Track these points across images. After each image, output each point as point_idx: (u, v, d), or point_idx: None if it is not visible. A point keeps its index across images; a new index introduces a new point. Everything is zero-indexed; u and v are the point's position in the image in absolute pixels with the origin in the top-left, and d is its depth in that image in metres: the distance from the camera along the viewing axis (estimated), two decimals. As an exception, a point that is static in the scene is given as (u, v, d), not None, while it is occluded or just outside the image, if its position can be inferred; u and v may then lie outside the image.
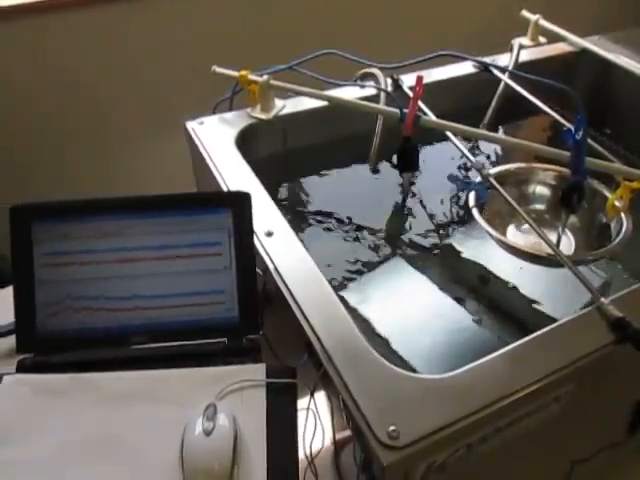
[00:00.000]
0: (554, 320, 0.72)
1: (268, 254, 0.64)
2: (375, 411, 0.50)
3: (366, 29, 1.35)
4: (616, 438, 0.76)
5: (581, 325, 0.59)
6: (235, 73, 0.86)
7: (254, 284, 0.63)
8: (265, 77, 0.85)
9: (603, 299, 0.60)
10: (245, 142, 0.84)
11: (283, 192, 0.89)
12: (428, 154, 1.01)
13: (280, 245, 0.65)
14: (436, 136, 0.91)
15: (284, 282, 0.60)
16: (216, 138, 0.83)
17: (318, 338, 0.55)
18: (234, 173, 0.76)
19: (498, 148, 1.05)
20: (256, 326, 0.63)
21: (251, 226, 0.63)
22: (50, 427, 0.54)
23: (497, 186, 0.74)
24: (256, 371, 0.59)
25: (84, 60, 1.20)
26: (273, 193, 0.81)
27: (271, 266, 0.63)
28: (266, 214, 0.69)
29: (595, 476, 0.82)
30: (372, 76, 0.97)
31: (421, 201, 0.91)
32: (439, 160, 0.99)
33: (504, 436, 0.56)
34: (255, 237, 0.66)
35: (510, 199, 0.72)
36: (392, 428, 0.48)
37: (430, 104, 0.90)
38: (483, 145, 1.03)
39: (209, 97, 0.90)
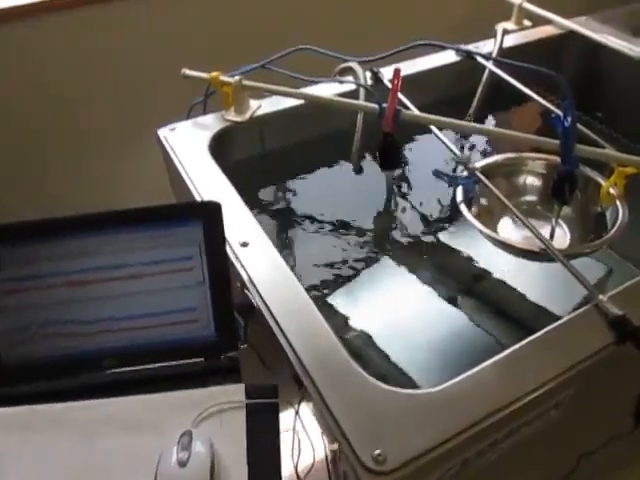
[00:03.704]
0: (552, 318, 0.69)
1: (243, 266, 0.60)
2: (359, 433, 0.46)
3: (343, 22, 1.31)
4: (622, 429, 0.72)
5: (579, 325, 0.55)
6: (206, 75, 0.83)
7: (229, 299, 0.59)
8: (237, 78, 0.81)
9: (601, 296, 0.56)
10: (220, 147, 0.80)
11: (263, 196, 0.86)
12: (415, 149, 0.97)
13: (256, 256, 0.61)
14: (422, 130, 0.87)
15: (260, 295, 0.57)
16: (188, 144, 0.79)
17: (296, 354, 0.51)
18: (207, 181, 0.72)
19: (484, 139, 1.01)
20: (234, 343, 0.59)
21: (223, 238, 0.59)
22: (9, 465, 0.51)
23: (484, 179, 0.70)
24: (235, 392, 0.56)
25: (51, 68, 1.15)
26: (251, 199, 0.78)
27: (246, 278, 0.59)
28: (241, 223, 0.66)
29: (603, 468, 0.79)
30: (351, 71, 0.93)
31: (408, 198, 0.88)
32: (426, 155, 0.96)
33: (502, 448, 0.53)
34: (229, 249, 0.62)
35: (498, 192, 0.68)
36: (378, 452, 0.44)
37: (413, 96, 0.86)
38: (473, 136, 0.99)
39: (186, 101, 0.86)
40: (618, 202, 0.74)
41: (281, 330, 0.53)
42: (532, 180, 0.82)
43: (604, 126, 1.04)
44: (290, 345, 0.52)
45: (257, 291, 0.57)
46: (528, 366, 0.52)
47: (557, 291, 0.72)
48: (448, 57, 1.01)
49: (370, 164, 0.89)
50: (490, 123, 1.04)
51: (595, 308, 0.56)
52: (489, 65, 0.97)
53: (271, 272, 0.60)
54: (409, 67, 0.96)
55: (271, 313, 0.55)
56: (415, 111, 0.76)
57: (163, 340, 0.59)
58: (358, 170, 0.87)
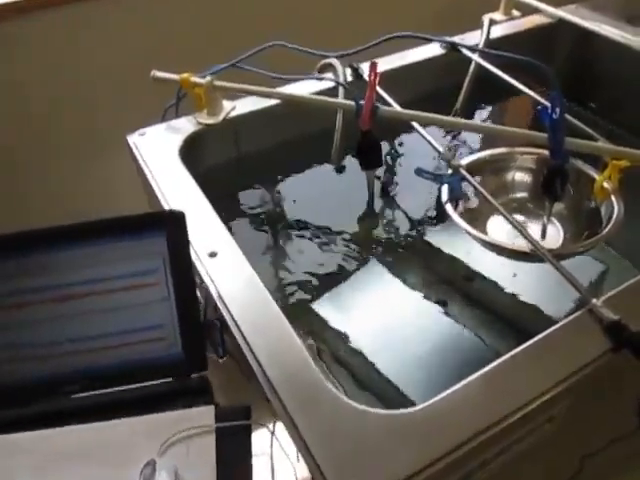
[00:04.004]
0: (546, 321, 0.65)
1: (210, 278, 0.56)
2: (332, 460, 0.42)
3: (322, 15, 1.25)
4: (626, 428, 0.68)
5: (572, 332, 0.51)
6: (176, 76, 0.79)
7: (197, 314, 0.55)
8: (208, 78, 0.77)
9: (594, 300, 0.52)
10: (192, 151, 0.76)
11: (238, 202, 0.82)
12: (399, 147, 0.93)
13: (225, 267, 0.57)
14: (407, 127, 0.83)
15: (227, 308, 0.53)
16: (158, 150, 0.75)
17: (264, 373, 0.47)
18: (175, 188, 0.68)
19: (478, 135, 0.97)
20: (203, 362, 0.56)
21: (188, 249, 0.55)
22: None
23: (468, 177, 0.66)
24: (204, 415, 0.52)
25: (19, 72, 1.11)
26: (225, 205, 0.74)
27: (213, 291, 0.55)
28: (210, 232, 0.62)
29: (609, 468, 0.75)
30: (332, 67, 0.89)
31: (393, 199, 0.84)
32: (411, 153, 0.92)
33: (491, 469, 0.49)
34: (196, 260, 0.58)
35: (483, 190, 0.64)
36: (352, 482, 0.41)
37: (395, 92, 0.82)
38: (463, 134, 0.95)
39: (162, 105, 0.83)
40: (613, 197, 0.70)
41: (248, 346, 0.49)
42: (521, 176, 0.77)
43: (598, 117, 1.00)
44: (258, 363, 0.48)
45: (224, 304, 0.53)
46: (518, 379, 0.48)
47: (550, 293, 0.68)
48: (432, 50, 0.97)
49: (352, 164, 0.85)
50: (478, 118, 1.00)
51: (589, 313, 0.52)
52: (475, 57, 0.93)
53: (240, 283, 0.56)
54: (391, 61, 0.92)
55: (238, 328, 0.51)
56: (396, 107, 0.72)
57: (127, 361, 0.55)
58: (339, 171, 0.83)
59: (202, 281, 0.56)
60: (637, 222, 0.73)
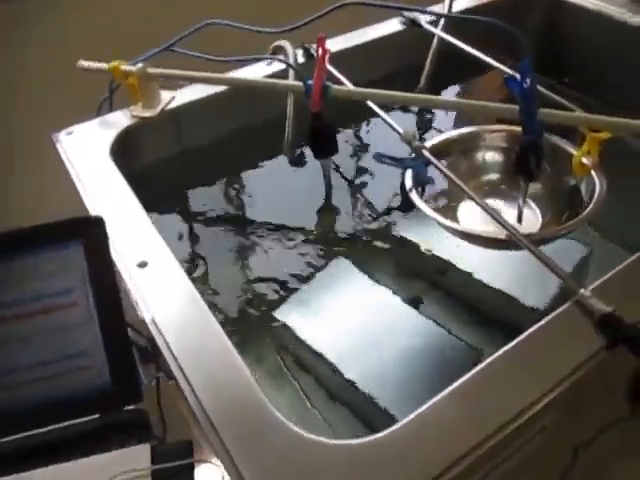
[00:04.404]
0: (529, 313, 0.59)
1: (139, 291, 0.48)
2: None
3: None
4: (620, 413, 0.62)
5: (558, 330, 0.45)
6: (104, 65, 0.70)
7: (125, 337, 0.47)
8: (140, 65, 0.69)
9: (582, 290, 0.45)
10: (126, 149, 0.68)
11: (179, 204, 0.74)
12: (361, 133, 0.86)
13: (156, 278, 0.49)
14: (369, 112, 0.76)
15: (156, 327, 0.45)
16: (87, 149, 0.66)
17: (199, 402, 0.40)
18: (103, 191, 0.60)
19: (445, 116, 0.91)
20: (137, 392, 0.47)
21: (110, 260, 0.47)
22: None
23: (432, 159, 0.59)
24: (139, 455, 0.44)
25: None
26: (164, 207, 0.66)
27: (142, 306, 0.47)
28: (140, 240, 0.54)
29: (602, 458, 0.69)
30: (282, 50, 0.82)
31: (355, 190, 0.76)
32: (374, 139, 0.84)
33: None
34: (124, 271, 0.50)
35: (449, 172, 0.57)
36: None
37: (352, 73, 0.74)
38: (430, 115, 0.89)
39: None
40: (594, 173, 0.63)
41: (181, 372, 0.42)
42: (492, 156, 0.70)
43: (573, 91, 0.94)
44: (192, 389, 0.40)
45: (154, 322, 0.45)
46: (500, 390, 0.41)
47: (532, 283, 0.61)
48: (391, 26, 0.90)
49: (309, 155, 0.77)
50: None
51: (577, 305, 0.45)
52: (438, 32, 0.86)
53: (172, 296, 0.48)
54: (346, 40, 0.85)
55: (169, 349, 0.43)
56: (348, 85, 0.65)
57: (48, 397, 0.47)
58: (294, 162, 0.75)
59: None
60: (621, 199, 0.67)
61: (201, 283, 0.64)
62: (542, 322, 0.45)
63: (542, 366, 0.42)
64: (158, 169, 0.73)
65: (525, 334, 0.44)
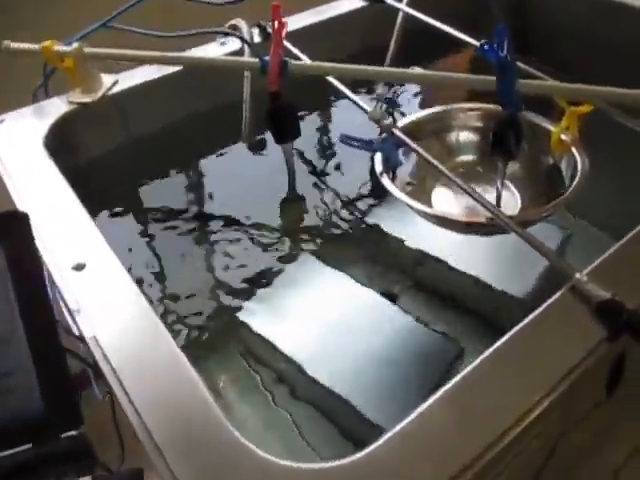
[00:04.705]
0: (517, 306, 0.54)
1: (74, 296, 0.41)
2: None
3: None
4: (598, 397, 0.59)
5: (553, 321, 0.40)
6: (36, 46, 0.63)
7: (60, 352, 0.41)
8: (76, 45, 0.61)
9: (578, 275, 0.41)
10: (63, 138, 0.61)
11: (124, 199, 0.67)
12: (325, 115, 0.80)
13: (94, 282, 0.43)
14: (335, 92, 0.70)
15: (94, 336, 0.38)
16: (17, 139, 0.59)
17: (147, 430, 0.33)
18: (35, 186, 0.52)
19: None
20: (75, 415, 0.41)
21: (38, 263, 0.40)
22: None
23: (404, 138, 0.53)
24: (77, 490, 0.37)
25: None
26: (106, 204, 0.59)
27: (76, 314, 0.40)
28: (77, 239, 0.47)
29: (581, 445, 0.66)
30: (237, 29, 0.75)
31: (323, 176, 0.71)
32: (341, 121, 0.79)
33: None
34: (57, 275, 0.43)
35: (422, 151, 0.52)
36: None
37: (313, 53, 0.68)
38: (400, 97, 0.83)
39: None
40: (574, 150, 0.59)
41: (124, 390, 0.35)
42: (467, 136, 0.66)
43: (550, 68, 0.91)
44: (135, 410, 0.34)
45: (94, 339, 0.39)
46: (493, 396, 0.36)
47: (517, 270, 0.57)
48: (353, 3, 0.84)
49: (270, 139, 0.71)
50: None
51: (572, 292, 0.41)
52: (403, 6, 0.80)
53: (113, 301, 0.41)
54: (304, 18, 0.80)
55: (109, 363, 0.37)
56: (307, 61, 0.59)
57: (-32, 426, 0.40)
58: (253, 148, 0.69)
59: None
60: (604, 176, 0.63)
61: (152, 286, 0.58)
62: (535, 314, 0.40)
63: (538, 365, 0.37)
64: (101, 161, 0.66)
65: (516, 328, 0.40)
